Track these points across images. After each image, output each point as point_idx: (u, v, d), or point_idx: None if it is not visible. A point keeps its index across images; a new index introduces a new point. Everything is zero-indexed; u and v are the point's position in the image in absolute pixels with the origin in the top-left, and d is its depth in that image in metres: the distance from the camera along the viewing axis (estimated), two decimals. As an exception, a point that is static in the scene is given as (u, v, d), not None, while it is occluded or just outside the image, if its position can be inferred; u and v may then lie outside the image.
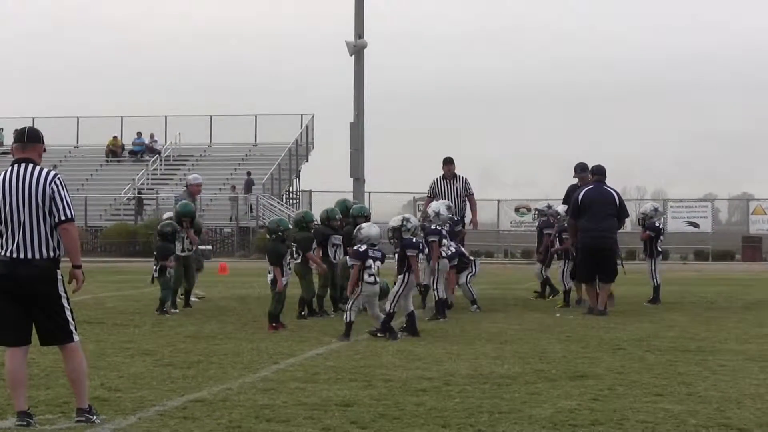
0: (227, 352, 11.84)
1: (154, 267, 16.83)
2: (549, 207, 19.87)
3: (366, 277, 13.04)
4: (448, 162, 19.37)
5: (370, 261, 13.04)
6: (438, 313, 15.58)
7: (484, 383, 9.65)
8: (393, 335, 13.06)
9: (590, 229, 16.79)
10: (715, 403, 8.72)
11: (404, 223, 13.79)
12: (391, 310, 13.29)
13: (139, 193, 51.23)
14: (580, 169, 18.18)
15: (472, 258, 17.26)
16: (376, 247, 13.26)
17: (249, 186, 50.57)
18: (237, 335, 13.58)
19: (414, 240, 13.76)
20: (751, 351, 12.10)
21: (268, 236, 14.87)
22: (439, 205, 16.34)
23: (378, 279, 13.18)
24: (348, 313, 13.12)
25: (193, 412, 8.27)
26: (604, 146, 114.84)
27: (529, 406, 8.55)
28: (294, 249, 15.45)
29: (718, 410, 8.42)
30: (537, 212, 20.77)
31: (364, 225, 13.69)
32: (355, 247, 13.40)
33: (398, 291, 13.44)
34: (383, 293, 13.97)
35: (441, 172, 19.41)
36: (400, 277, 13.53)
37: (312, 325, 14.84)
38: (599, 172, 17.26)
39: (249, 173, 51.54)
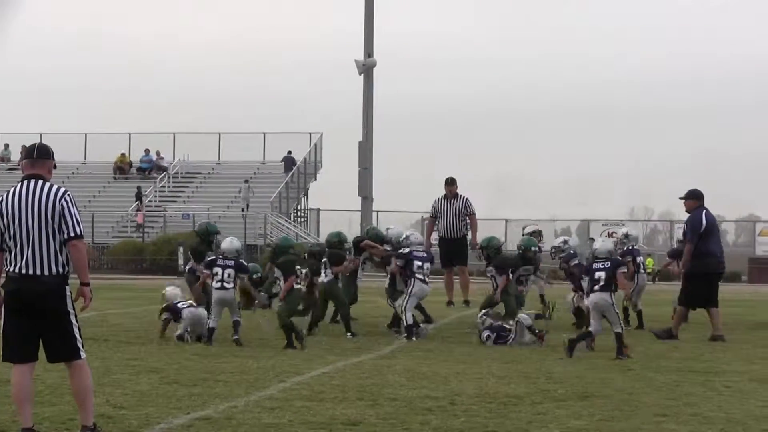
0: (233, 369, 11.84)
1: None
2: (565, 242, 19.99)
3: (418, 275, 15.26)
4: (450, 182, 19.61)
5: (419, 262, 15.21)
6: (408, 336, 15.26)
7: (490, 403, 9.65)
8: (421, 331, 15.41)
9: (718, 253, 16.40)
10: (720, 424, 8.71)
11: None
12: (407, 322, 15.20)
13: (138, 188, 51.79)
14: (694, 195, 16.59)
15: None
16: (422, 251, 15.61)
17: (290, 164, 51.57)
18: (243, 353, 13.58)
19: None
20: (757, 372, 12.08)
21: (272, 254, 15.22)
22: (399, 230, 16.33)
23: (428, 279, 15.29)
24: (405, 314, 15.01)
25: (198, 430, 8.28)
26: (613, 166, 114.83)
27: (536, 427, 8.55)
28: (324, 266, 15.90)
29: (723, 431, 8.41)
30: (554, 249, 20.64)
31: (412, 231, 15.92)
32: (400, 250, 15.49)
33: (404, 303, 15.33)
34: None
35: (443, 192, 19.58)
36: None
37: (318, 343, 14.85)
38: (701, 196, 16.44)
39: (290, 152, 53.59)
